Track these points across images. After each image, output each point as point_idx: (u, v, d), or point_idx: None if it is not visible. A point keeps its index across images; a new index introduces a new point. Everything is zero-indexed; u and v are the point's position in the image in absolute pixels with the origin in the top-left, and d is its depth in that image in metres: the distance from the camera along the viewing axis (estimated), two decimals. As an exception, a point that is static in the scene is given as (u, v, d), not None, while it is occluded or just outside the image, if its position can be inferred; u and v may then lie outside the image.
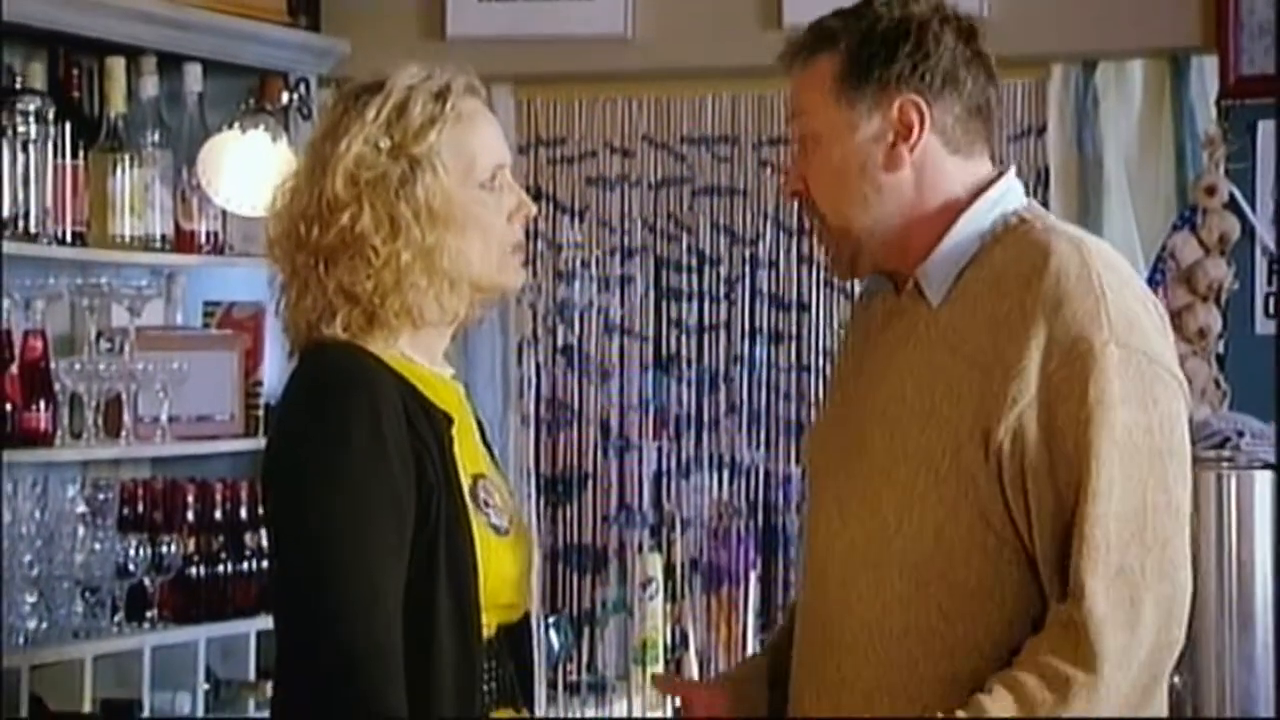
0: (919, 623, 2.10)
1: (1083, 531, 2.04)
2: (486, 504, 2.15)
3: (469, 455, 2.17)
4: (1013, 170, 2.22)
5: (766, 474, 4.12)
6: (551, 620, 3.95)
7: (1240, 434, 3.25)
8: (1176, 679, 3.16)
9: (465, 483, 2.13)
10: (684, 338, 4.18)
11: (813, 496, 2.26)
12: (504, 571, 2.15)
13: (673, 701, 3.83)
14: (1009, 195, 2.20)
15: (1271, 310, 3.73)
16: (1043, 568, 2.08)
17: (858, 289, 2.38)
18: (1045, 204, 3.91)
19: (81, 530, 3.61)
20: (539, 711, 3.98)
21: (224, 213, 3.87)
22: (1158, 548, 2.05)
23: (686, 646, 3.91)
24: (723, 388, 4.15)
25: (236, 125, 3.81)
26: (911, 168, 2.16)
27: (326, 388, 2.08)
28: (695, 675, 3.84)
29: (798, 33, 2.24)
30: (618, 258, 4.19)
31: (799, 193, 2.22)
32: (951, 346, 2.12)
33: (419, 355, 2.17)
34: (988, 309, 2.10)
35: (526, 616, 2.24)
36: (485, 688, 2.14)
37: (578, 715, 4.03)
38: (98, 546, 3.60)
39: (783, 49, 2.24)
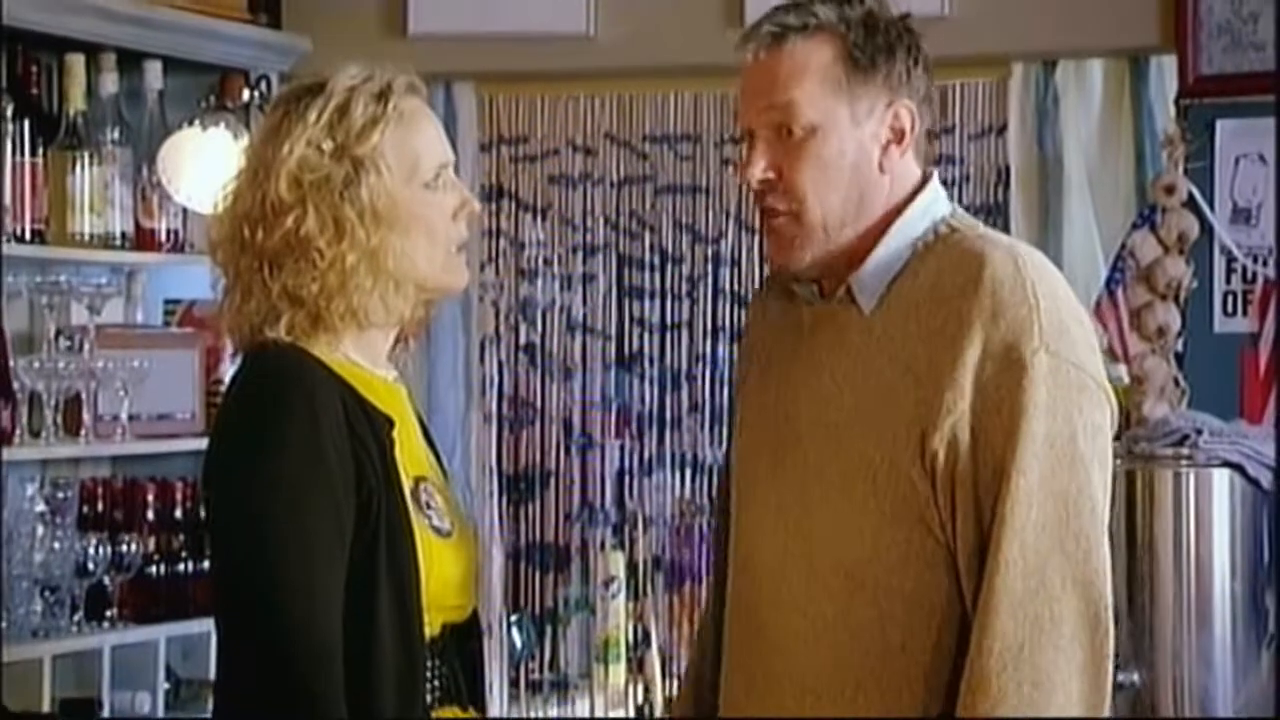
0: (853, 623, 2.10)
1: (999, 544, 2.04)
2: (429, 506, 2.14)
3: (410, 458, 2.16)
4: (936, 176, 2.22)
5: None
6: (514, 619, 3.96)
7: (1199, 432, 3.26)
8: (1135, 677, 3.18)
9: (407, 485, 2.12)
10: (646, 336, 4.18)
11: (741, 497, 2.24)
12: (447, 573, 2.15)
13: (635, 699, 3.84)
14: (938, 202, 2.20)
15: (1230, 309, 3.74)
16: (964, 579, 2.08)
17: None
18: (1006, 202, 3.95)
19: (41, 529, 3.60)
20: (501, 710, 3.99)
21: (184, 210, 3.86)
22: (1080, 556, 2.06)
23: (649, 644, 3.92)
24: (685, 386, 4.15)
25: (197, 123, 3.80)
26: (892, 173, 2.17)
27: (265, 390, 2.08)
28: (658, 673, 3.84)
29: (772, 10, 2.18)
30: (580, 256, 4.19)
31: (770, 181, 2.16)
32: (888, 354, 2.12)
33: (362, 357, 2.17)
34: (924, 318, 2.11)
35: (475, 615, 2.23)
36: (430, 685, 2.14)
37: (540, 714, 4.03)
38: (57, 545, 3.59)
39: (758, 25, 2.17)
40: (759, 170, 2.16)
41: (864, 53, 2.14)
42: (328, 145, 2.10)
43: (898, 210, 2.17)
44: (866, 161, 2.15)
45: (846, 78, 2.13)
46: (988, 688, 2.02)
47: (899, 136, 2.16)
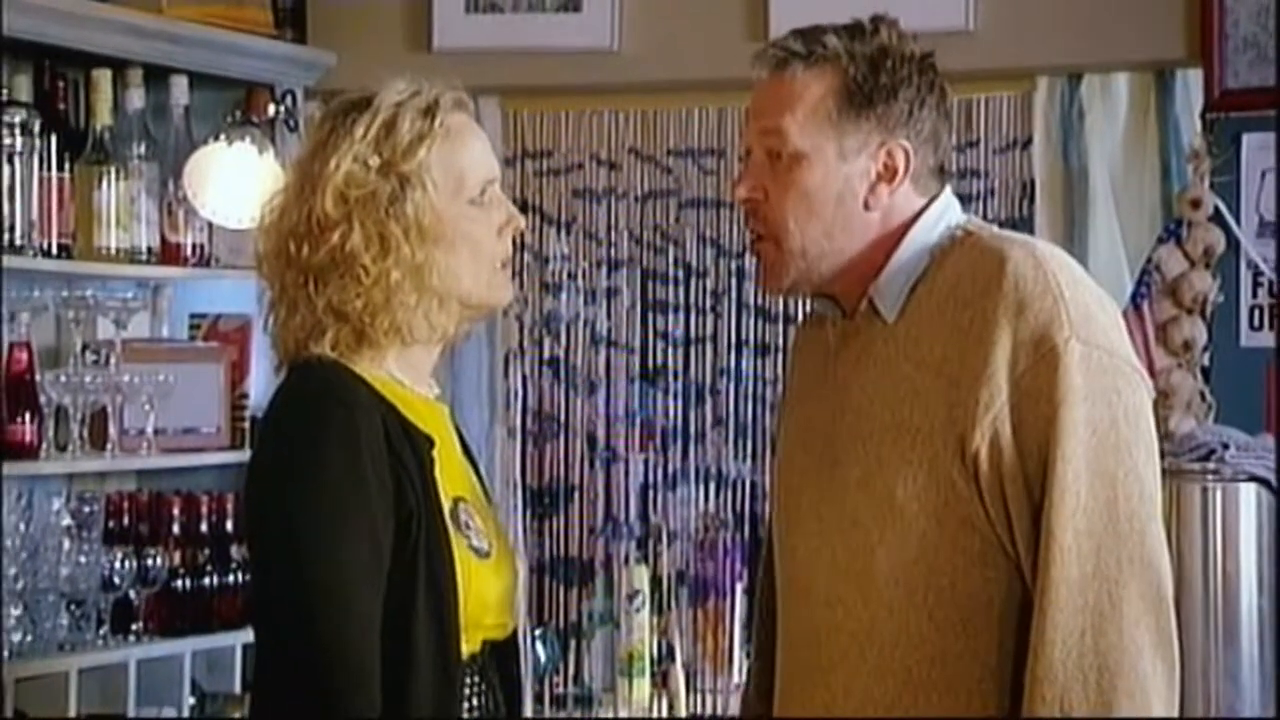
0: (909, 631, 2.11)
1: (1051, 533, 2.04)
2: (467, 526, 2.14)
3: (450, 477, 2.16)
4: (949, 187, 2.24)
5: (753, 486, 4.12)
6: (538, 632, 3.95)
7: (1225, 446, 3.26)
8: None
9: (446, 505, 2.12)
10: (670, 350, 4.18)
11: (788, 519, 2.25)
12: (486, 593, 2.15)
13: (659, 713, 3.83)
14: (950, 209, 2.22)
15: (1257, 323, 3.74)
16: (1027, 573, 2.08)
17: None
18: (1031, 216, 3.95)
19: (67, 543, 3.60)
20: (525, 724, 3.99)
21: (210, 225, 3.86)
22: (1135, 537, 2.06)
23: (673, 659, 3.91)
24: (709, 400, 4.15)
25: (223, 137, 3.81)
26: (881, 208, 2.18)
27: (308, 408, 2.08)
28: (682, 687, 3.84)
29: (786, 34, 2.21)
30: (604, 270, 4.20)
31: (755, 201, 2.19)
32: (914, 360, 2.13)
33: (405, 375, 2.17)
34: (948, 319, 2.12)
35: (514, 634, 2.24)
36: (469, 704, 2.14)
37: (564, 727, 4.03)
38: (83, 559, 3.59)
39: (766, 48, 2.20)
40: (744, 189, 2.20)
41: (862, 90, 2.15)
42: (374, 161, 2.11)
43: (910, 222, 2.19)
44: (851, 196, 2.16)
45: (838, 113, 2.15)
46: (1053, 678, 2.02)
47: (890, 175, 2.17)
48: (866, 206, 2.17)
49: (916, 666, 2.10)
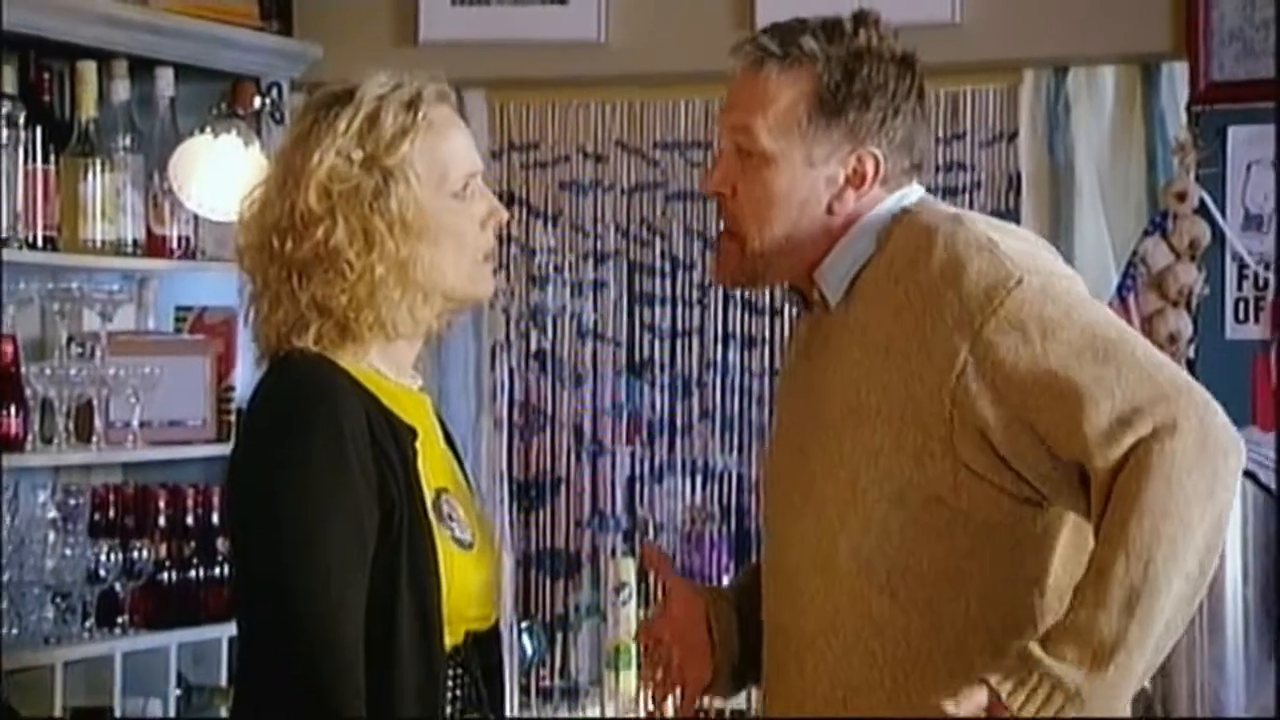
0: (871, 614, 2.12)
1: (1094, 438, 2.02)
2: (450, 518, 2.14)
3: (433, 469, 2.16)
4: (917, 179, 2.24)
5: (739, 479, 4.12)
6: (525, 625, 3.95)
7: (1211, 439, 3.26)
8: (1148, 683, 3.18)
9: (429, 496, 2.12)
10: (657, 342, 4.17)
11: (768, 510, 2.28)
12: (468, 585, 2.15)
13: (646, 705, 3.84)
14: (907, 197, 2.22)
15: (1242, 315, 3.74)
16: (1056, 501, 2.09)
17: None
18: (1017, 209, 3.95)
19: (52, 536, 3.60)
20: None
21: (196, 217, 3.86)
22: (1185, 390, 2.04)
23: (659, 651, 3.90)
24: (696, 392, 4.15)
25: (208, 130, 3.80)
26: (840, 214, 2.18)
27: (291, 401, 2.08)
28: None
29: (765, 28, 2.21)
30: (591, 262, 4.19)
31: (723, 196, 2.20)
32: (863, 343, 2.14)
33: (388, 368, 2.17)
34: (887, 298, 2.13)
35: (497, 625, 2.24)
36: (452, 695, 2.14)
37: (551, 720, 4.03)
38: (68, 552, 3.59)
39: (743, 42, 2.20)
40: (714, 183, 2.21)
41: (835, 97, 2.15)
42: (357, 155, 2.10)
43: (865, 210, 2.19)
44: (815, 201, 2.17)
45: (808, 119, 2.15)
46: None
47: (859, 181, 2.18)
48: (830, 210, 2.18)
49: (881, 648, 2.12)
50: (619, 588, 3.76)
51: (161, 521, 3.78)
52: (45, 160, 3.62)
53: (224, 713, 3.80)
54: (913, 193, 2.22)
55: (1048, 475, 2.09)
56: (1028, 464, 2.09)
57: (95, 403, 3.69)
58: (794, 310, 2.35)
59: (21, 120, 3.57)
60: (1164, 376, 2.06)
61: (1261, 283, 3.72)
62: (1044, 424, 2.06)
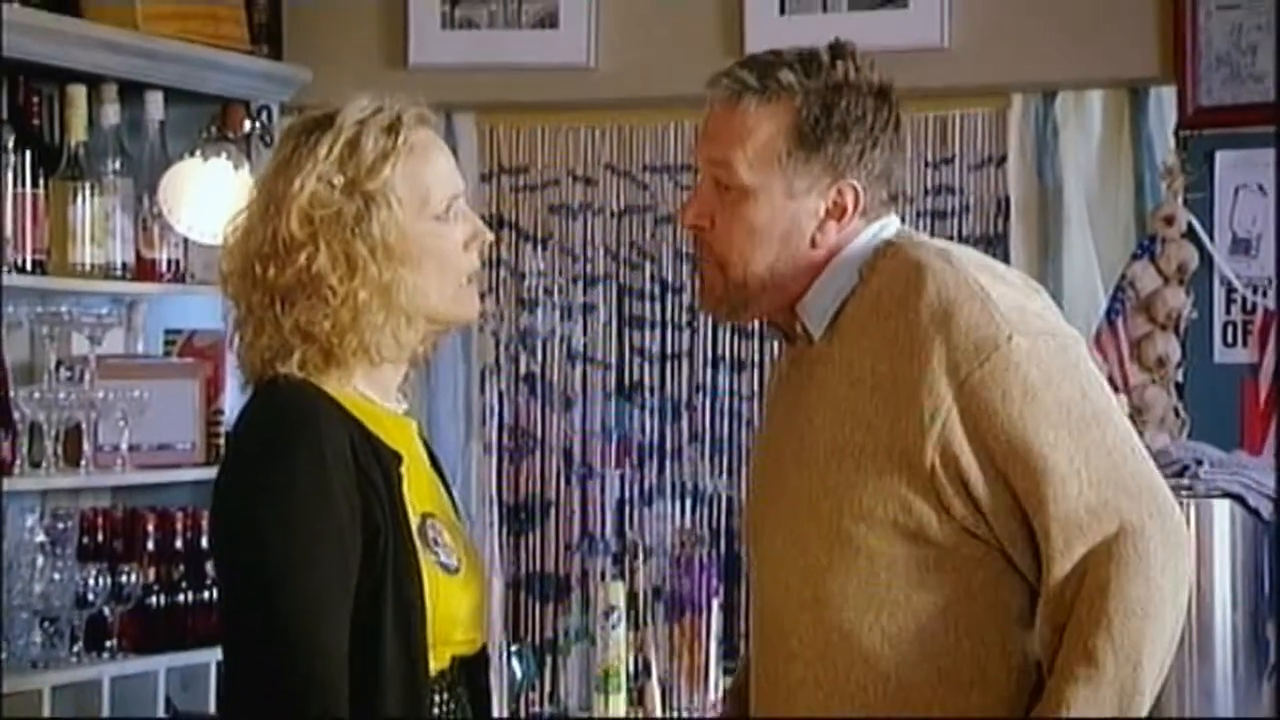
0: (861, 650, 2.12)
1: (1059, 521, 2.04)
2: (436, 542, 2.13)
3: (419, 493, 2.16)
4: (893, 209, 2.24)
5: (729, 502, 4.12)
6: (514, 649, 3.94)
7: (1199, 462, 3.26)
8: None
9: (414, 521, 2.12)
10: (647, 366, 4.18)
11: (751, 548, 2.27)
12: (454, 610, 2.14)
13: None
14: (887, 228, 2.22)
15: (1230, 339, 3.75)
16: (1021, 565, 2.09)
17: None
18: (1006, 233, 3.96)
19: (41, 560, 3.59)
20: (500, 741, 3.97)
21: (185, 241, 3.86)
22: (1147, 490, 2.06)
23: (649, 675, 3.90)
24: (685, 416, 4.15)
25: (198, 153, 3.81)
26: (824, 246, 2.18)
27: (275, 427, 2.08)
28: (658, 703, 3.83)
29: (741, 61, 2.21)
30: (580, 286, 4.20)
31: (701, 228, 2.19)
32: (849, 379, 2.13)
33: (373, 392, 2.17)
34: (873, 334, 2.12)
35: (484, 649, 2.23)
36: (438, 719, 2.13)
37: (540, 744, 4.02)
38: (57, 576, 3.58)
39: (720, 76, 2.19)
40: (691, 216, 2.21)
41: (814, 130, 2.15)
42: (338, 180, 2.10)
43: (845, 243, 2.19)
44: (798, 234, 2.17)
45: (788, 153, 2.15)
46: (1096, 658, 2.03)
47: (839, 213, 2.18)
48: (813, 244, 2.17)
49: (872, 684, 2.12)
50: (609, 611, 3.75)
51: (150, 545, 3.78)
52: (35, 184, 3.63)
53: (212, 737, 3.80)
54: (891, 224, 2.22)
55: (1012, 532, 2.10)
56: (993, 509, 2.09)
57: (84, 426, 3.69)
58: (776, 343, 2.35)
59: (11, 144, 3.58)
60: (1128, 471, 2.06)
61: (1249, 306, 3.72)
62: (1016, 486, 2.08)
